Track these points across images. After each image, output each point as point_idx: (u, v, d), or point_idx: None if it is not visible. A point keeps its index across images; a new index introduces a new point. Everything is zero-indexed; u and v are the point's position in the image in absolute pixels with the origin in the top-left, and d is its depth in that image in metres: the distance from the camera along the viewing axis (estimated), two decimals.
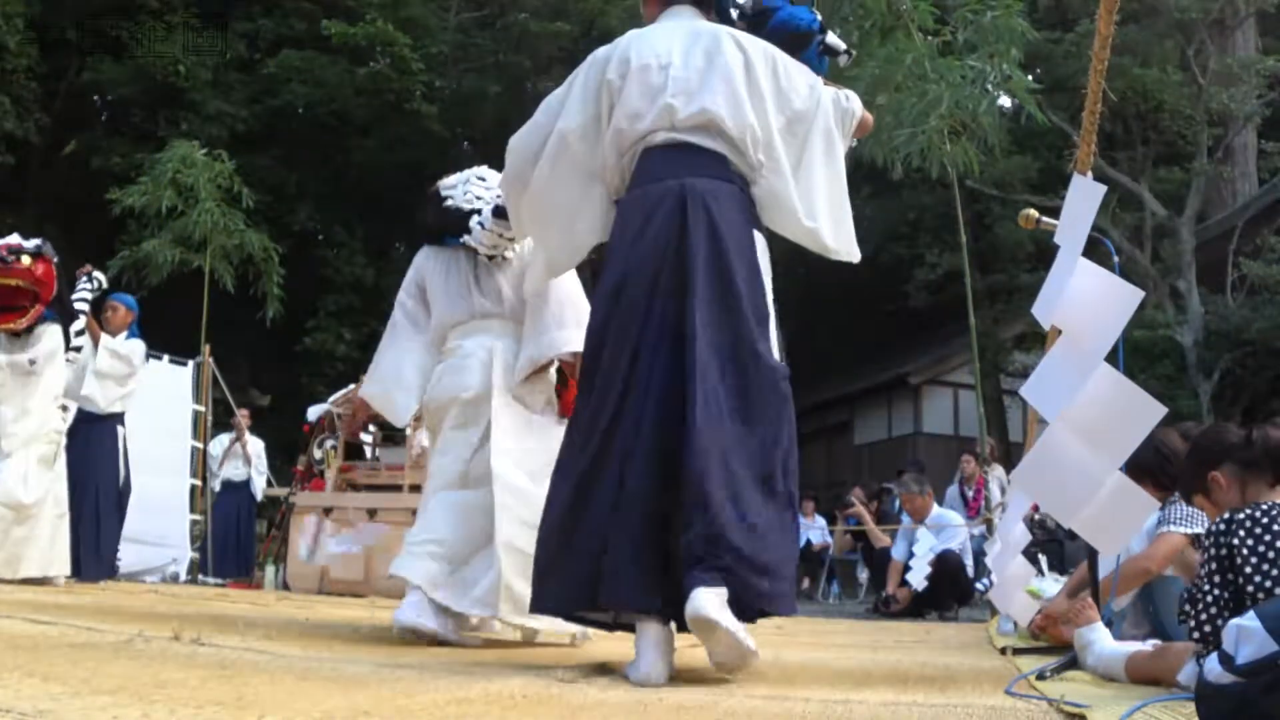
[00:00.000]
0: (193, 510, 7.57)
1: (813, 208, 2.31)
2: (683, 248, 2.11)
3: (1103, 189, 2.09)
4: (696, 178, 2.19)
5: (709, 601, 1.86)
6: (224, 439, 8.40)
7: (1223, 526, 2.00)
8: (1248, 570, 1.92)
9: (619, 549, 1.97)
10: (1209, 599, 1.99)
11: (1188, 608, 2.07)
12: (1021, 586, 3.91)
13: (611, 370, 2.10)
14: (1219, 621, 1.97)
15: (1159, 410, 1.86)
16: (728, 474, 1.98)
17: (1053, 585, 4.05)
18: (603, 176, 2.36)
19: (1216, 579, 1.99)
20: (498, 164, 2.74)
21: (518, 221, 2.62)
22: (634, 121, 2.26)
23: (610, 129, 2.30)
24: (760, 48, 2.33)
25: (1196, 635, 2.00)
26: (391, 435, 7.49)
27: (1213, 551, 1.99)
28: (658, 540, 1.99)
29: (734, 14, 2.47)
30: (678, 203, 2.15)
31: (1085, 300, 2.01)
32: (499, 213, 2.90)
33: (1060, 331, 2.20)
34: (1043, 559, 4.90)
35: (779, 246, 2.32)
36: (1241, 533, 1.92)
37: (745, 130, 2.24)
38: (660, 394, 2.04)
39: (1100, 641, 2.38)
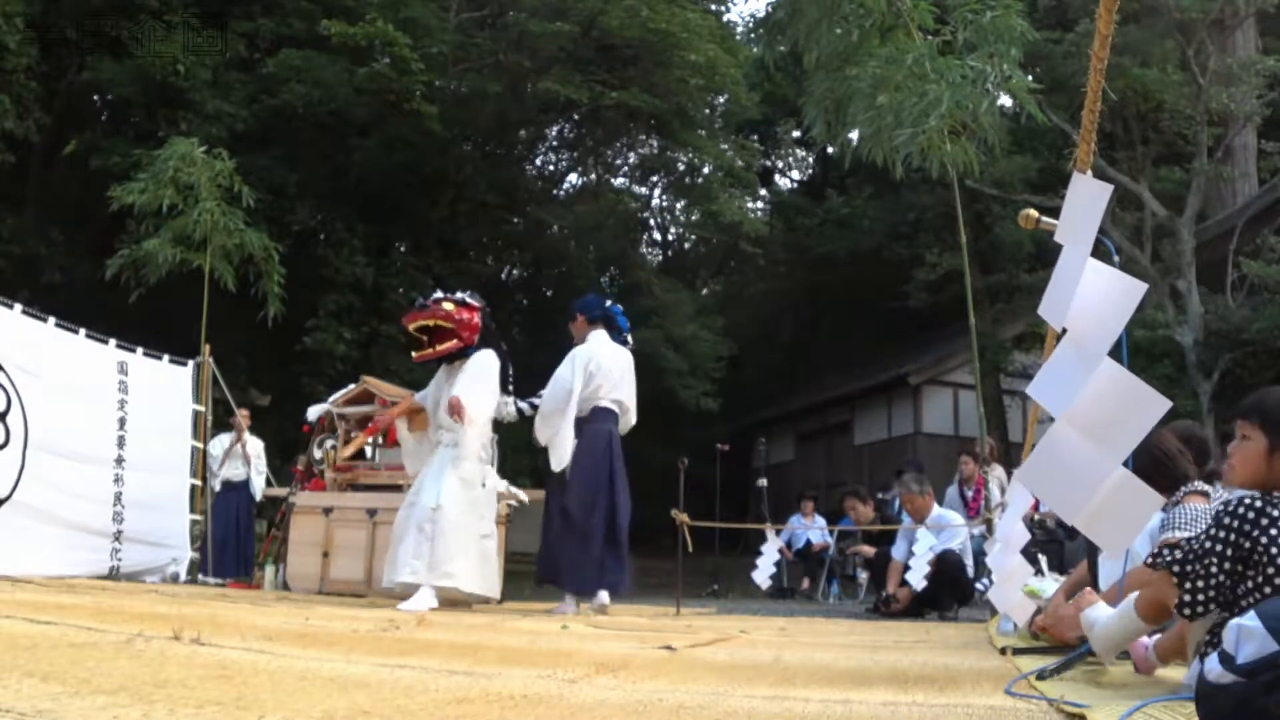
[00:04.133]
0: (193, 510, 7.56)
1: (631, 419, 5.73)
2: (609, 452, 5.46)
3: (1109, 188, 2.08)
4: (612, 425, 5.52)
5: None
6: (224, 439, 8.38)
7: (1251, 516, 1.88)
8: (1268, 571, 1.83)
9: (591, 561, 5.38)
10: (1212, 579, 1.88)
11: (1187, 565, 1.96)
12: (1019, 585, 3.91)
13: (592, 491, 5.40)
14: (1212, 606, 1.91)
15: (1163, 403, 1.82)
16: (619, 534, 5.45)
17: (1052, 585, 4.04)
18: (578, 415, 5.45)
19: (1226, 565, 1.88)
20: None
21: (549, 432, 5.42)
22: (595, 393, 5.46)
23: (587, 393, 5.43)
24: (632, 364, 5.72)
25: (1187, 610, 1.93)
26: None
27: (1232, 538, 1.88)
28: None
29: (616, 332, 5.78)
30: (608, 436, 5.48)
31: (1089, 297, 2.00)
32: (520, 410, 5.77)
33: (1060, 332, 2.20)
34: (1043, 559, 4.90)
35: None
36: (1274, 531, 1.81)
37: (628, 401, 5.62)
38: (608, 501, 5.41)
39: (1102, 616, 2.35)
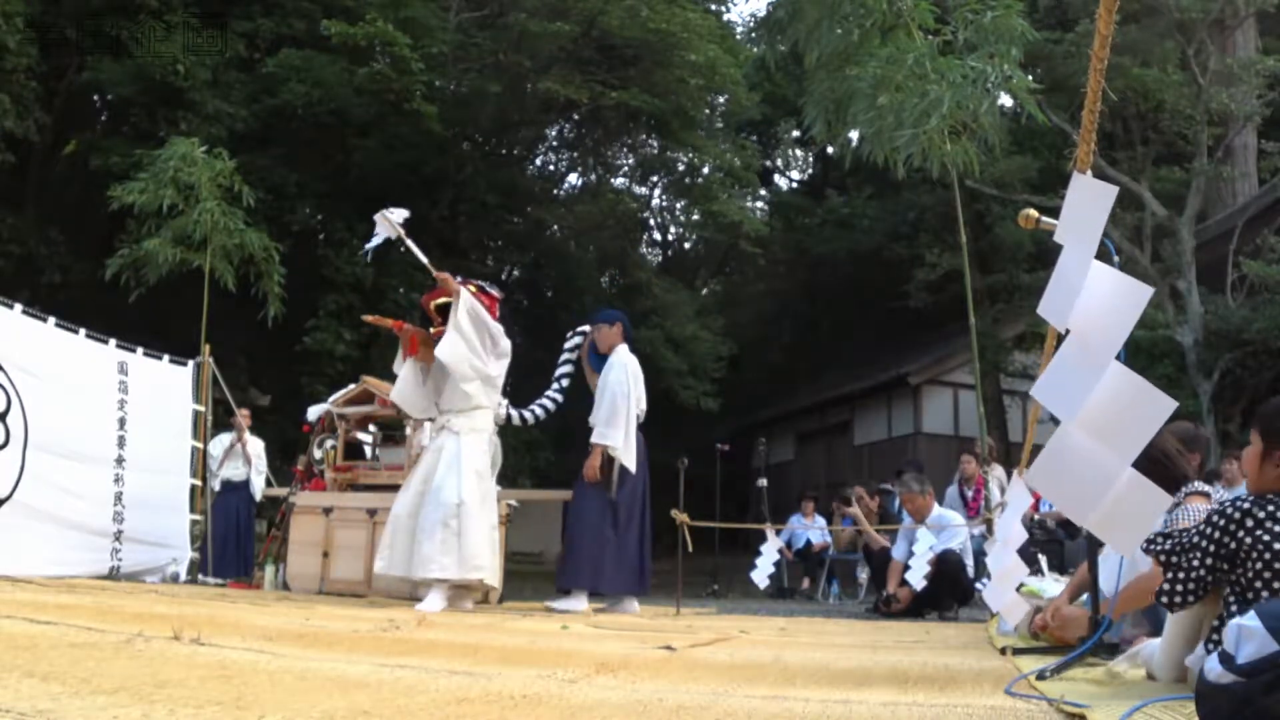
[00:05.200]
0: (193, 510, 7.55)
1: None
2: (646, 460, 5.83)
3: (1114, 189, 2.08)
4: (640, 433, 5.85)
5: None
6: (224, 439, 8.37)
7: (1237, 516, 1.96)
8: (1256, 567, 1.90)
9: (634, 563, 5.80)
10: (1193, 573, 2.00)
11: (1174, 556, 2.07)
12: (1013, 585, 3.91)
13: (634, 496, 5.75)
14: (1190, 599, 2.02)
15: (1169, 403, 1.85)
16: None
17: (1052, 585, 4.05)
18: None
19: (1209, 561, 1.98)
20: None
21: (619, 436, 5.64)
22: (636, 403, 5.77)
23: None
24: None
25: (1165, 599, 2.05)
26: (392, 435, 7.48)
27: (1217, 535, 1.97)
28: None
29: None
30: (644, 445, 5.86)
31: (1093, 299, 2.01)
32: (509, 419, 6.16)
33: (1063, 333, 2.20)
34: (1043, 559, 4.91)
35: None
36: (1259, 532, 1.90)
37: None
38: (644, 506, 5.82)
39: (1154, 646, 2.35)
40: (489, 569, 5.18)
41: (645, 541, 5.80)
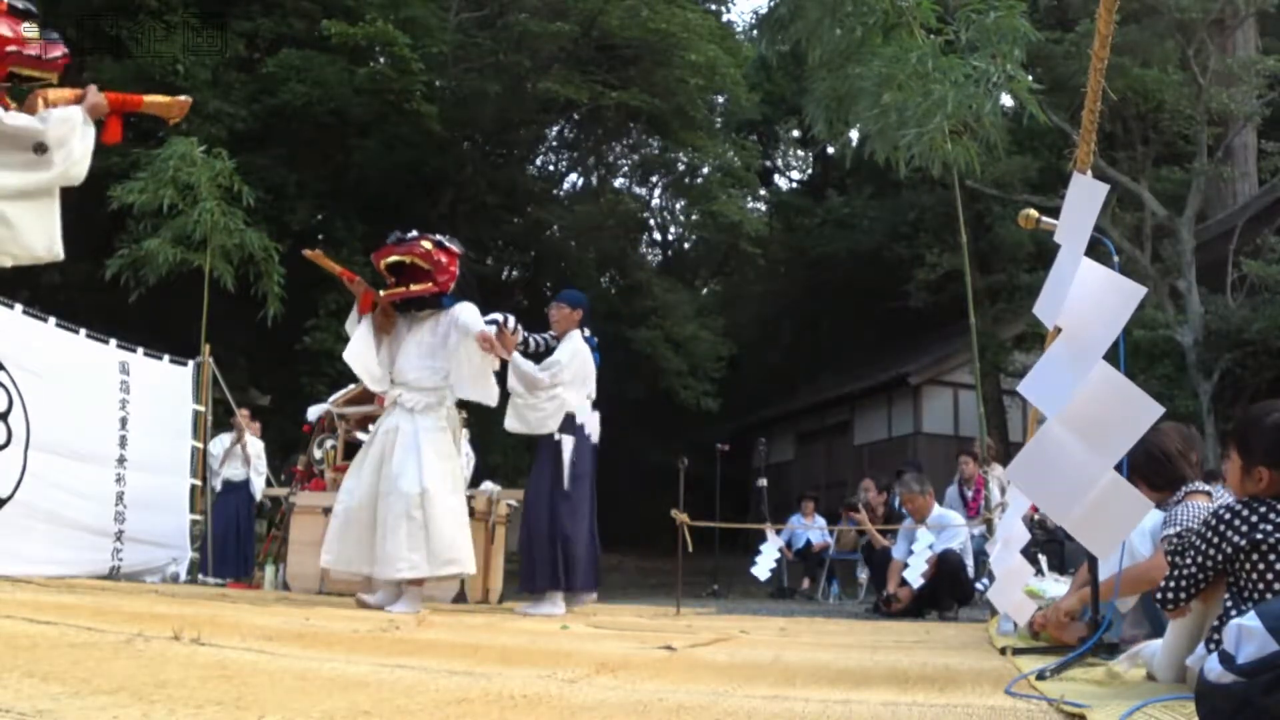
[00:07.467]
0: (193, 510, 7.56)
1: None
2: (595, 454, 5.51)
3: (1105, 187, 2.09)
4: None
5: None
6: (224, 439, 8.38)
7: (1228, 518, 1.98)
8: (1257, 567, 1.93)
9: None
10: (1185, 571, 2.05)
11: (1175, 556, 2.14)
12: (1019, 585, 3.90)
13: (591, 489, 5.39)
14: (1183, 598, 2.06)
15: (1156, 409, 1.85)
16: None
17: (1053, 585, 4.05)
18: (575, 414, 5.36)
19: (1207, 563, 2.01)
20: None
21: (521, 390, 5.35)
22: (592, 392, 5.47)
23: (586, 392, 5.44)
24: None
25: (1159, 595, 2.11)
26: None
27: (1213, 539, 2.00)
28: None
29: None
30: (599, 434, 5.52)
31: (1086, 297, 2.00)
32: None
33: (1059, 330, 2.20)
34: (1043, 559, 4.90)
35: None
36: (1258, 536, 1.93)
37: None
38: (591, 501, 5.38)
39: (1156, 645, 2.36)
40: (464, 560, 4.71)
41: (595, 536, 5.40)
